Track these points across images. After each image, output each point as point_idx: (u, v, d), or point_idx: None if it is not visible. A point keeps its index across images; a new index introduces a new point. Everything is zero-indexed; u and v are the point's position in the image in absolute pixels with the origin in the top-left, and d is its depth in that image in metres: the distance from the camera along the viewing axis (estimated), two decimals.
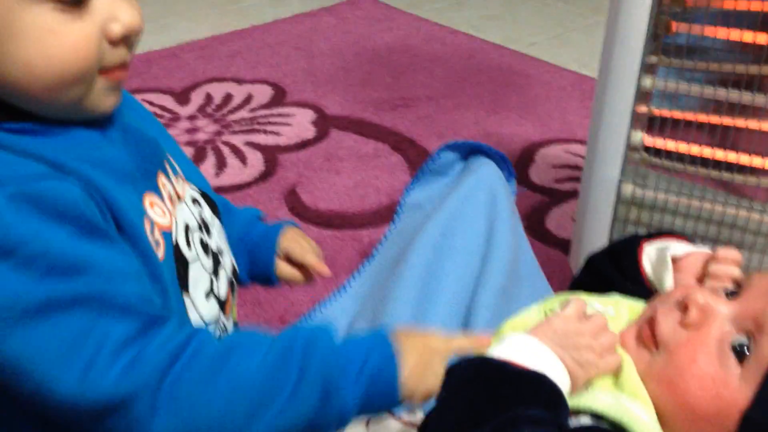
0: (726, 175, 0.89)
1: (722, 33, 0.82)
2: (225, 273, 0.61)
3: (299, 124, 1.45)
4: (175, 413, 0.46)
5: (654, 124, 0.90)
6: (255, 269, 0.72)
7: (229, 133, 1.42)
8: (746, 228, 0.89)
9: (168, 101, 1.52)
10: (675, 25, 0.84)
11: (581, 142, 1.37)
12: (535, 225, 1.15)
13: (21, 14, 0.45)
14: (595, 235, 0.92)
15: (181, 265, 0.54)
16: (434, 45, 1.79)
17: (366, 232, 1.15)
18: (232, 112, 1.49)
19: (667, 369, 0.54)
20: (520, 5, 2.06)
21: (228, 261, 0.63)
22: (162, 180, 0.56)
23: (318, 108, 1.51)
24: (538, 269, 0.84)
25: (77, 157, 0.48)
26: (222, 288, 0.60)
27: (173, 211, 0.56)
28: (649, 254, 0.65)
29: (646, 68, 0.86)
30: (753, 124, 0.85)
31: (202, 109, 1.50)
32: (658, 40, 0.85)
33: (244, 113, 1.49)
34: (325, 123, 1.46)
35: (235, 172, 1.30)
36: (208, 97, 1.54)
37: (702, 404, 0.52)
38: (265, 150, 1.36)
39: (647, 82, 0.87)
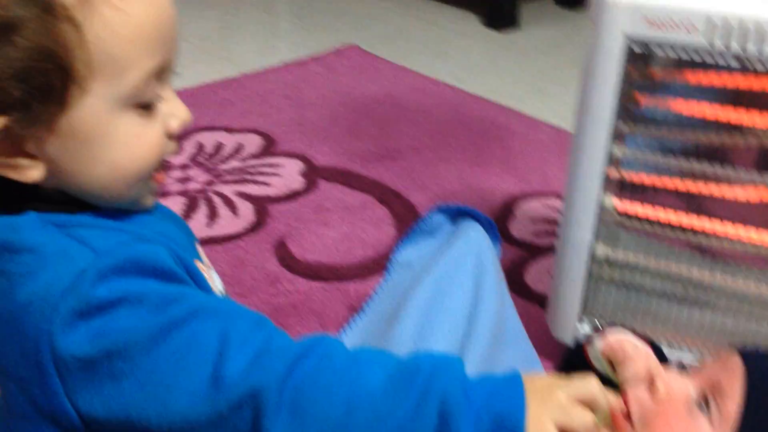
0: (693, 238, 0.94)
1: (684, 107, 0.89)
2: None
3: (289, 174, 1.50)
4: (295, 414, 0.49)
5: (625, 189, 0.96)
6: None
7: (220, 183, 1.46)
8: (714, 288, 0.94)
9: None
10: (641, 98, 0.91)
11: (559, 196, 1.43)
12: (513, 279, 1.20)
13: (113, 122, 0.52)
14: (570, 292, 0.97)
15: None
16: (419, 96, 1.85)
17: (353, 285, 1.19)
18: (223, 161, 1.54)
19: None
20: (502, 56, 2.13)
21: None
22: (200, 249, 0.64)
23: (306, 159, 1.56)
24: (523, 333, 0.89)
25: (152, 231, 0.56)
26: None
27: (213, 278, 0.63)
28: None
29: (616, 136, 0.91)
30: (719, 190, 0.91)
31: (194, 159, 1.54)
32: (627, 110, 0.91)
33: (235, 163, 1.54)
34: (313, 174, 1.51)
35: (227, 223, 1.34)
36: (200, 146, 1.59)
37: None
38: (255, 200, 1.41)
39: (617, 149, 0.93)
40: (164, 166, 0.58)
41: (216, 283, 0.63)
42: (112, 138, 0.52)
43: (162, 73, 0.54)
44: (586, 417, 0.55)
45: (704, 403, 0.61)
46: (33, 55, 0.48)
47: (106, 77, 0.50)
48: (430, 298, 0.84)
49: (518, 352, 0.87)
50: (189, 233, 0.65)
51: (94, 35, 0.49)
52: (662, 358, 0.69)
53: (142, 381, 0.49)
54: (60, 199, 0.55)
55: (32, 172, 0.52)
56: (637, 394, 0.63)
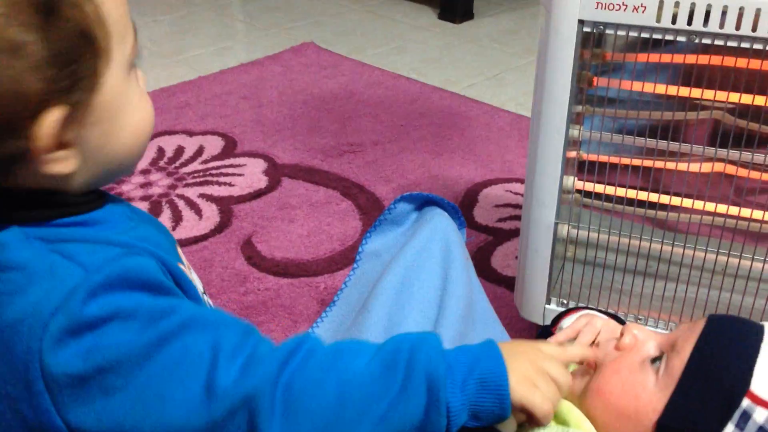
0: (650, 212, 0.97)
1: (637, 86, 0.91)
2: None
3: (251, 174, 1.50)
4: (289, 411, 0.50)
5: (584, 169, 0.98)
6: None
7: (183, 186, 1.46)
8: (673, 261, 0.97)
9: None
10: (596, 80, 0.93)
11: (520, 181, 1.45)
12: (480, 264, 1.22)
13: (127, 87, 0.52)
14: (537, 274, 0.98)
15: None
16: (377, 90, 1.86)
17: (321, 279, 1.19)
18: (184, 164, 1.53)
19: (597, 378, 0.65)
20: (458, 48, 2.15)
21: None
22: (179, 250, 0.63)
23: (269, 157, 1.56)
24: (493, 315, 0.90)
25: (135, 238, 0.55)
26: None
27: (194, 278, 0.63)
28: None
29: (573, 118, 0.93)
30: (674, 166, 0.94)
31: (154, 163, 1.53)
32: (583, 92, 0.93)
33: (196, 165, 1.53)
34: (276, 172, 1.51)
35: (192, 225, 1.34)
36: (161, 151, 1.58)
37: (623, 403, 0.62)
38: (219, 201, 1.41)
39: (575, 130, 0.95)
40: None
41: (197, 284, 0.63)
42: (130, 103, 0.53)
43: None
44: (555, 391, 0.57)
45: (658, 359, 0.64)
46: (72, 37, 0.47)
47: (118, 44, 0.51)
48: (399, 286, 0.85)
49: (489, 334, 0.88)
50: (168, 236, 0.64)
51: (103, 4, 0.49)
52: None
53: (136, 395, 0.49)
54: (38, 201, 0.53)
55: (70, 162, 0.50)
56: (606, 347, 0.67)
